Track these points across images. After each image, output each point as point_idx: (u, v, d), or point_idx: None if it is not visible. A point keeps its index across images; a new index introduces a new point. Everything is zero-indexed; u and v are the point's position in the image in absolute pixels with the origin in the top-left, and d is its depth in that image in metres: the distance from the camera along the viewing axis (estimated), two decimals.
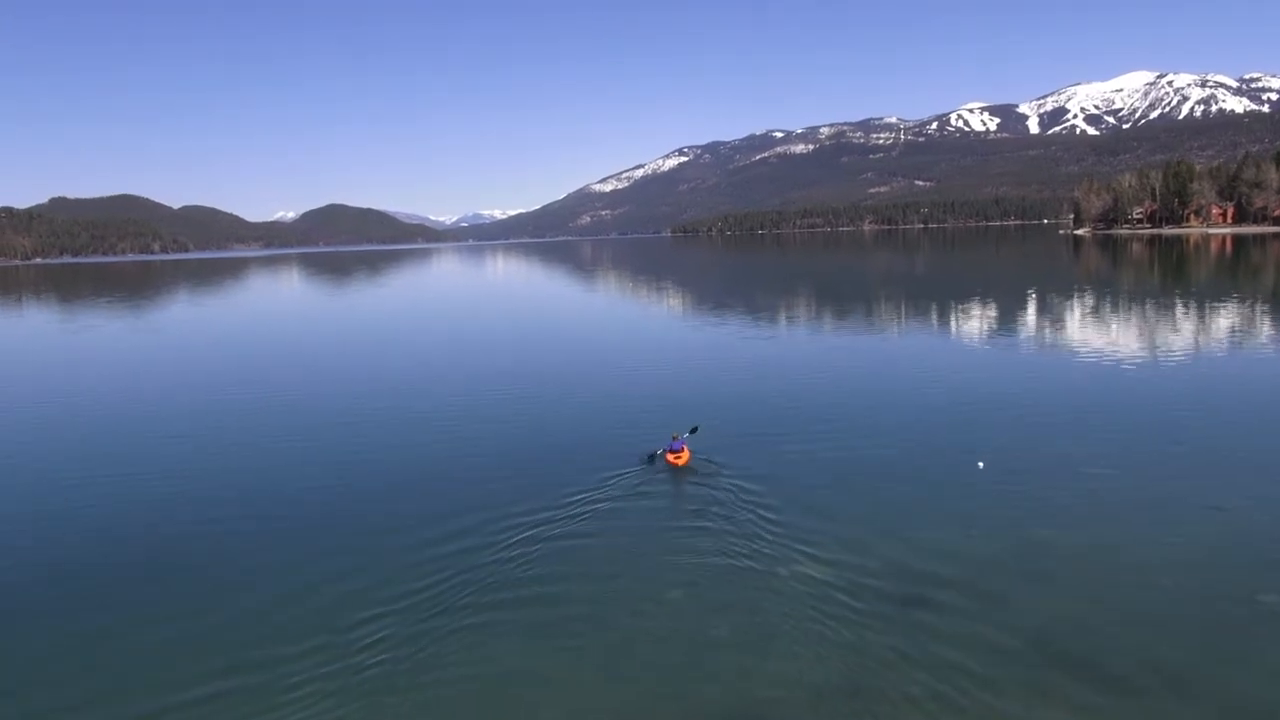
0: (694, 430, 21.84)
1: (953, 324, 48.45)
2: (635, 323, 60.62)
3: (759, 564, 14.40)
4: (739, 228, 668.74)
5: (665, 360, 38.20)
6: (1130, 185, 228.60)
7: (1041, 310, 53.72)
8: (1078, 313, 51.47)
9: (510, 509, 17.44)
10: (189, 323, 73.24)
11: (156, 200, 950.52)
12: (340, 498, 19.43)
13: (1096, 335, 40.45)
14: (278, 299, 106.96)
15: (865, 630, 12.16)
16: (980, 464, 19.45)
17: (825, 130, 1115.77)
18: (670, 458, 20.56)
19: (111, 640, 12.97)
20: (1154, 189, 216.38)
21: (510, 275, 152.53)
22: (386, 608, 13.40)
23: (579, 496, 18.11)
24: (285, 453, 23.68)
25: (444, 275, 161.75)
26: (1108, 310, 52.57)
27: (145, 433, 27.00)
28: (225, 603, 14.05)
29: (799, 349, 41.52)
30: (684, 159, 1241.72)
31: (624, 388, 31.58)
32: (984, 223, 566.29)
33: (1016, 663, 11.32)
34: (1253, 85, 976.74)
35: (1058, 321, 47.41)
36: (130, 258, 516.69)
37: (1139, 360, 33.31)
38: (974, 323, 48.32)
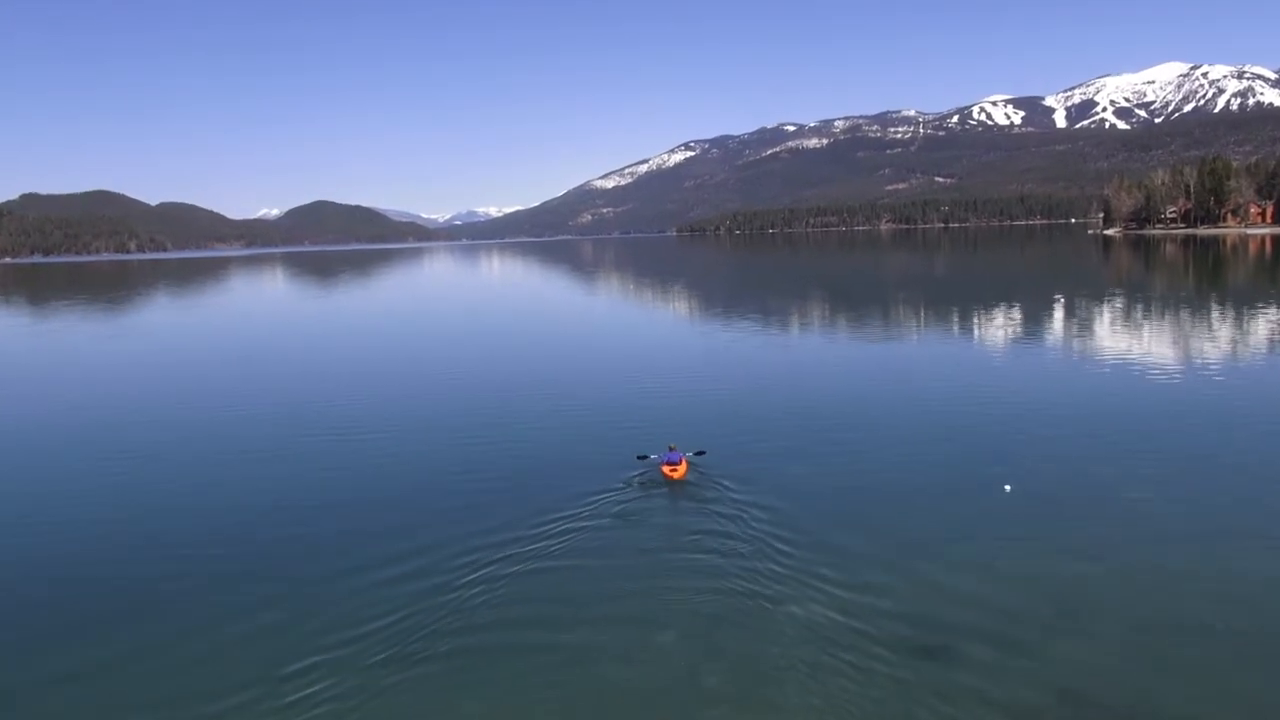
0: (700, 454, 21.25)
1: (976, 333, 47.75)
2: (632, 328, 59.97)
3: (759, 601, 13.61)
4: (748, 226, 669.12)
5: (664, 369, 37.43)
6: (1163, 183, 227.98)
7: (1072, 318, 52.94)
8: (1112, 321, 50.69)
9: (476, 535, 16.68)
10: (152, 332, 72.78)
11: (133, 197, 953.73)
12: (285, 523, 18.59)
13: (1133, 346, 39.63)
14: (248, 305, 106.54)
15: (879, 678, 11.41)
16: (1007, 487, 18.74)
17: (840, 124, 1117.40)
18: (666, 469, 20.03)
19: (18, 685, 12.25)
20: (1188, 187, 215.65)
21: (502, 276, 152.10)
22: (328, 642, 12.64)
23: (556, 520, 17.32)
24: (227, 469, 22.97)
25: (430, 277, 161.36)
26: (1144, 318, 51.82)
27: (87, 447, 26.26)
28: (143, 635, 13.31)
29: (810, 359, 40.85)
30: (690, 154, 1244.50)
31: (615, 400, 30.88)
32: (1008, 222, 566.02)
33: (1049, 714, 10.58)
34: None
35: (1090, 331, 46.62)
36: (105, 257, 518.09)
37: (1181, 374, 32.50)
38: (999, 332, 47.57)
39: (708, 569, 14.84)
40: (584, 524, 17.09)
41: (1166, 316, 51.37)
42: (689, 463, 20.43)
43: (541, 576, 14.75)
